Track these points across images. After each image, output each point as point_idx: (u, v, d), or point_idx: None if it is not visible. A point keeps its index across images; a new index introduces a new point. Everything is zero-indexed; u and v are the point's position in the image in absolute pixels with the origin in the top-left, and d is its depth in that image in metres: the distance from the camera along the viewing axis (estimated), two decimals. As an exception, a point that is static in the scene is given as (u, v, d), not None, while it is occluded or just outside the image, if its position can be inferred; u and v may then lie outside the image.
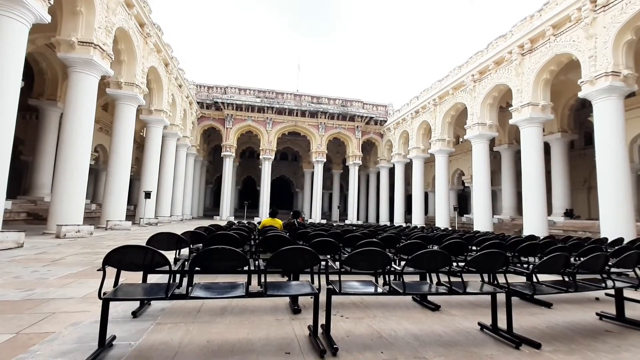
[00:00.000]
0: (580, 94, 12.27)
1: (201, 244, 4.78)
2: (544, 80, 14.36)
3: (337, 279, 3.17)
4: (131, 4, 13.69)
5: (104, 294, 2.54)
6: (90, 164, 11.88)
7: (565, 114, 19.29)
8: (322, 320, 3.03)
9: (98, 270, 2.62)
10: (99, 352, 2.46)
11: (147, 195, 17.18)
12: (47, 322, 3.16)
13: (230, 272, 4.34)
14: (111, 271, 2.71)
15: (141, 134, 26.61)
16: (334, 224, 16.96)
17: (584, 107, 19.66)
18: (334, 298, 3.23)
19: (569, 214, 18.13)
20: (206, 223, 10.14)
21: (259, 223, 7.92)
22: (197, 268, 2.92)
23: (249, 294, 2.81)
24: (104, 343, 2.54)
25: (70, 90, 11.18)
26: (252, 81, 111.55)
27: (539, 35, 14.14)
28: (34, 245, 8.06)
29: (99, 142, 22.99)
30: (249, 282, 2.96)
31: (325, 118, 29.90)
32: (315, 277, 3.18)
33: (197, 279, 4.44)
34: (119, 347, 2.68)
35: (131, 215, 18.45)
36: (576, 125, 20.44)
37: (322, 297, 3.03)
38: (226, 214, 27.56)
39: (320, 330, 3.01)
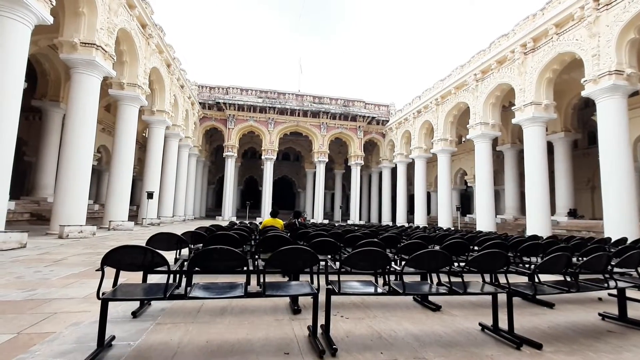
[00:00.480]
0: (584, 93, 12.20)
1: (201, 244, 4.78)
2: (547, 79, 14.29)
3: (337, 279, 3.16)
4: (133, 5, 13.74)
5: (103, 294, 2.54)
6: (93, 165, 11.96)
7: (569, 113, 19.18)
8: (322, 320, 3.02)
9: (97, 270, 2.62)
10: (97, 352, 2.47)
11: (150, 195, 17.24)
12: (48, 322, 3.17)
13: (229, 272, 4.34)
14: (112, 271, 2.72)
15: (143, 134, 26.74)
16: (336, 224, 16.95)
17: (588, 106, 19.55)
18: (334, 298, 3.22)
19: (572, 213, 18.03)
20: (208, 223, 10.16)
21: (261, 223, 7.93)
22: (196, 268, 2.92)
23: (247, 294, 2.81)
24: (103, 343, 2.54)
25: (72, 91, 11.24)
26: (254, 81, 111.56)
27: (541, 34, 14.07)
28: (36, 246, 8.10)
29: (101, 143, 23.11)
30: (247, 282, 2.95)
31: (327, 118, 29.91)
32: (315, 277, 3.18)
33: (198, 279, 4.44)
34: (118, 347, 2.68)
35: (134, 216, 18.51)
36: (580, 125, 20.31)
37: (322, 298, 3.02)
38: (228, 215, 27.62)
39: (319, 330, 3.00)
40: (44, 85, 17.82)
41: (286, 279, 5.10)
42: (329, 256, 4.67)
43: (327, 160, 30.05)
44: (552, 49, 13.63)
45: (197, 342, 2.87)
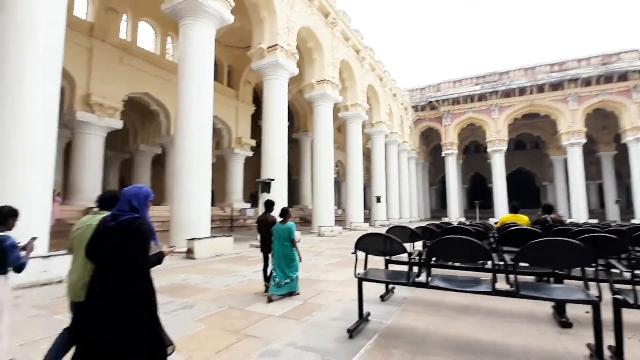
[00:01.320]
0: None
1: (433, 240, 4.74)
2: None
3: (631, 287, 2.27)
4: (348, 37, 16.05)
5: (358, 274, 2.99)
6: (334, 177, 14.63)
7: None
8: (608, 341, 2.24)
9: (352, 253, 3.12)
10: (359, 322, 2.94)
11: (378, 199, 19.23)
12: (320, 296, 4.11)
13: (467, 266, 4.01)
14: (361, 262, 3.16)
15: (367, 146, 30.25)
16: (613, 225, 12.51)
17: None
18: (628, 314, 2.32)
19: None
20: (435, 222, 10.16)
21: (496, 223, 6.95)
22: (433, 259, 2.90)
23: (495, 291, 2.47)
24: (362, 316, 3.01)
25: (315, 121, 14.31)
26: (465, 68, 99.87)
27: None
28: (305, 241, 10.70)
29: (337, 159, 28.05)
30: (494, 279, 2.59)
31: (575, 86, 22.90)
32: (589, 283, 2.42)
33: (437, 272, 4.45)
34: (373, 323, 3.10)
35: (367, 219, 21.04)
36: None
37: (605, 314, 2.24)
38: (455, 215, 26.27)
39: (607, 352, 2.23)
40: (297, 121, 23.81)
41: (540, 283, 4.19)
42: (615, 260, 3.43)
43: (584, 141, 22.59)
44: None
45: (444, 333, 2.85)
